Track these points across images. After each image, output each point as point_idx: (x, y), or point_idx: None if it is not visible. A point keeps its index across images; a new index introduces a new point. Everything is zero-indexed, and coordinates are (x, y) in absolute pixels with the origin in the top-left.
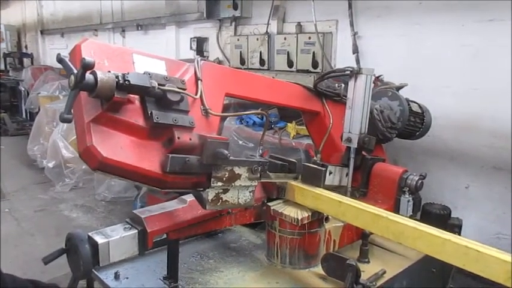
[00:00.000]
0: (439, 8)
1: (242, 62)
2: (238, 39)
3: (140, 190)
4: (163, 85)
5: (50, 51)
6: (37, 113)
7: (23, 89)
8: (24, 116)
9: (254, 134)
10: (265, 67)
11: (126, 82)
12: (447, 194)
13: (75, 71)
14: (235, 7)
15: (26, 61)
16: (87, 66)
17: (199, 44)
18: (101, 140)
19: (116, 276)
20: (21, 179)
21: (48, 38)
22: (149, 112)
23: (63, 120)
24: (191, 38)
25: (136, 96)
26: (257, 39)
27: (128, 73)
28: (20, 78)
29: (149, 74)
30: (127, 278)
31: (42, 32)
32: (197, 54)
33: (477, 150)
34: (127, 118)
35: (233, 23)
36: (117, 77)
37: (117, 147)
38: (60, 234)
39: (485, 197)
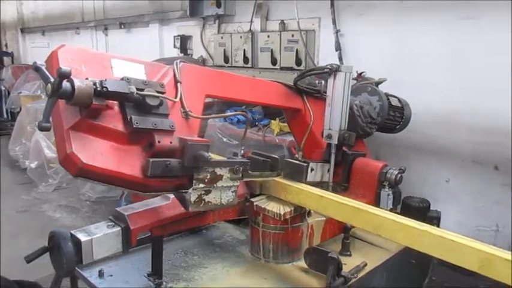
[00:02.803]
0: (420, 6)
1: (226, 60)
2: (222, 37)
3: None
4: (142, 90)
5: (31, 49)
6: (18, 112)
7: (4, 88)
8: (5, 115)
9: (238, 132)
10: (249, 65)
11: (104, 89)
12: (429, 188)
13: (52, 80)
14: (218, 5)
15: (7, 60)
16: (63, 76)
17: (183, 42)
18: (81, 147)
19: (100, 274)
20: (3, 180)
21: (28, 37)
22: (128, 117)
23: (42, 128)
24: (175, 36)
25: (116, 102)
26: (241, 37)
27: (106, 80)
28: (0, 77)
29: (128, 79)
30: (111, 275)
31: (22, 30)
32: (181, 52)
33: (457, 145)
34: (106, 124)
35: (216, 21)
36: (94, 84)
37: (97, 153)
38: (44, 235)
39: (465, 191)
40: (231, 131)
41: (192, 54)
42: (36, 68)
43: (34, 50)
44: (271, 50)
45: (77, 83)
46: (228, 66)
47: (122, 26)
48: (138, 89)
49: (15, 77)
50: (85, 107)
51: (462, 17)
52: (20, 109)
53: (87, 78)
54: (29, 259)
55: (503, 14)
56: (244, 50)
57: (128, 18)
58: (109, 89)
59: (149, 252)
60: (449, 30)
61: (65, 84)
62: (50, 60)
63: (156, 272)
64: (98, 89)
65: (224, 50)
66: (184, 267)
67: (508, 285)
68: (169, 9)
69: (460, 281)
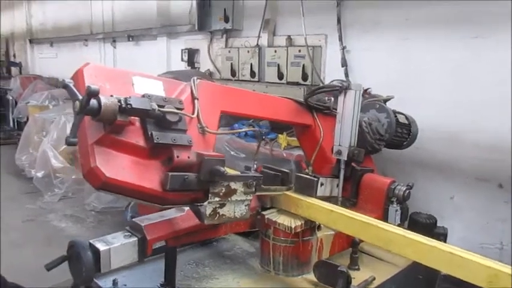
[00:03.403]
0: (425, 24)
1: (233, 73)
2: (229, 51)
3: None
4: (163, 106)
5: (39, 60)
6: (25, 122)
7: (11, 98)
8: (11, 125)
9: (245, 145)
10: (256, 79)
11: (128, 106)
12: (433, 204)
13: (80, 97)
14: (226, 20)
15: (14, 70)
16: (92, 94)
17: (191, 56)
18: (104, 161)
19: (114, 284)
20: (9, 189)
21: (37, 47)
22: (149, 133)
23: (69, 143)
24: (182, 50)
25: (137, 118)
26: (248, 51)
27: (130, 97)
28: (8, 87)
29: (149, 96)
30: (125, 285)
31: (31, 41)
32: (188, 66)
33: (462, 162)
34: (128, 139)
35: (224, 35)
36: (119, 101)
37: (120, 167)
38: (49, 244)
39: (469, 208)
40: (238, 144)
41: (199, 68)
42: (64, 86)
43: (42, 61)
44: (278, 65)
45: (103, 100)
46: (235, 80)
47: (130, 39)
48: (158, 106)
49: (23, 87)
50: (109, 123)
51: (467, 35)
52: (27, 119)
53: (111, 95)
54: (49, 267)
55: (507, 33)
56: (251, 64)
57: (136, 31)
58: (133, 106)
59: (161, 263)
60: (454, 48)
61: (92, 101)
62: (75, 77)
63: (169, 282)
64: (123, 106)
65: (231, 63)
66: (196, 278)
67: None
68: (178, 23)
69: None
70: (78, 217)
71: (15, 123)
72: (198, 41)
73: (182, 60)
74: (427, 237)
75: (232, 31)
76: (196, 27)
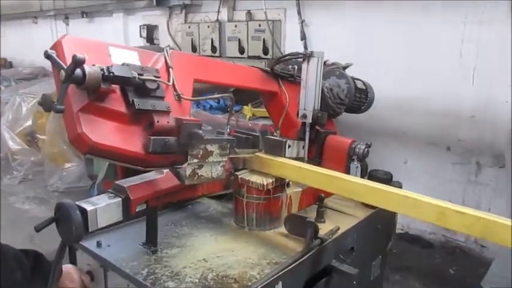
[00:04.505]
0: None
1: (194, 49)
2: (189, 27)
3: (96, 179)
4: (141, 75)
5: None
6: None
7: None
8: None
9: (211, 117)
10: (217, 54)
11: (111, 74)
12: (388, 169)
13: (65, 67)
14: None
15: None
16: (79, 63)
17: (149, 32)
18: (90, 127)
19: (98, 245)
20: None
21: None
22: (131, 100)
23: (57, 110)
24: (141, 26)
25: (117, 87)
26: (208, 26)
27: (112, 66)
28: None
29: (127, 65)
30: (108, 245)
31: None
32: (147, 42)
33: (414, 128)
34: (111, 106)
35: (183, 11)
36: (102, 69)
37: (105, 132)
38: (14, 227)
39: (421, 171)
40: (204, 117)
41: (158, 44)
42: (48, 56)
43: None
44: (239, 39)
45: (87, 69)
46: (196, 55)
47: (84, 15)
48: (138, 74)
49: None
50: (93, 91)
51: (417, 8)
52: None
53: (94, 65)
54: (38, 228)
55: (455, 5)
56: (211, 39)
57: (90, 7)
58: (115, 74)
59: (142, 225)
60: (406, 21)
61: (77, 70)
62: (54, 49)
63: (151, 241)
64: (106, 74)
65: (192, 39)
66: (176, 237)
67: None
68: None
69: (417, 252)
70: (41, 198)
71: None
72: (157, 16)
73: (141, 36)
74: (384, 185)
75: (192, 6)
76: (154, 3)
